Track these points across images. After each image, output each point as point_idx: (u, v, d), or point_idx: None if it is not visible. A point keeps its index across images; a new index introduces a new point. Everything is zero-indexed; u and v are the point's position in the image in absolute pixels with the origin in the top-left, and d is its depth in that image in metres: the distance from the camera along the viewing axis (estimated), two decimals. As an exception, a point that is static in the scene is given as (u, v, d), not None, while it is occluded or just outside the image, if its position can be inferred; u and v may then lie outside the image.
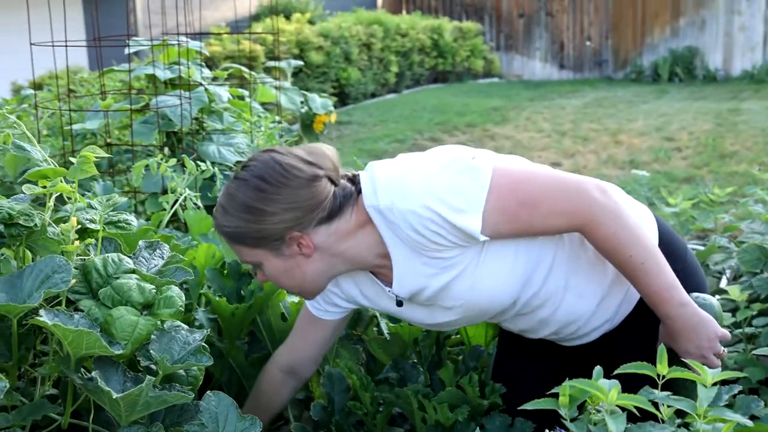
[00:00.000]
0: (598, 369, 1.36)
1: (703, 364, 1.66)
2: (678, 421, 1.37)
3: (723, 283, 3.29)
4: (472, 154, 1.62)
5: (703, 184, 6.07)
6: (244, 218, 1.59)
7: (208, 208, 2.97)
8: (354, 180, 1.67)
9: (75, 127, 3.19)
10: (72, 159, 1.70)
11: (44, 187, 1.66)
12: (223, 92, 3.34)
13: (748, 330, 2.61)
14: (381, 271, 1.71)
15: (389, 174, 1.61)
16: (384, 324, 2.28)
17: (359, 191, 1.64)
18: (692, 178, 6.44)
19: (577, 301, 1.72)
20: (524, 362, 1.96)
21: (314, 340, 1.91)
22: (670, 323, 1.67)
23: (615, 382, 1.31)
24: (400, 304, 1.74)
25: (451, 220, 1.54)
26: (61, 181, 1.66)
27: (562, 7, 15.26)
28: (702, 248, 3.39)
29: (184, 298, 1.62)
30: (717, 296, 2.99)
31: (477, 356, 2.04)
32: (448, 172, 1.57)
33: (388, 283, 1.71)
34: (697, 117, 9.22)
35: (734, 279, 3.28)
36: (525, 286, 1.67)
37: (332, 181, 1.63)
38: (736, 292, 2.72)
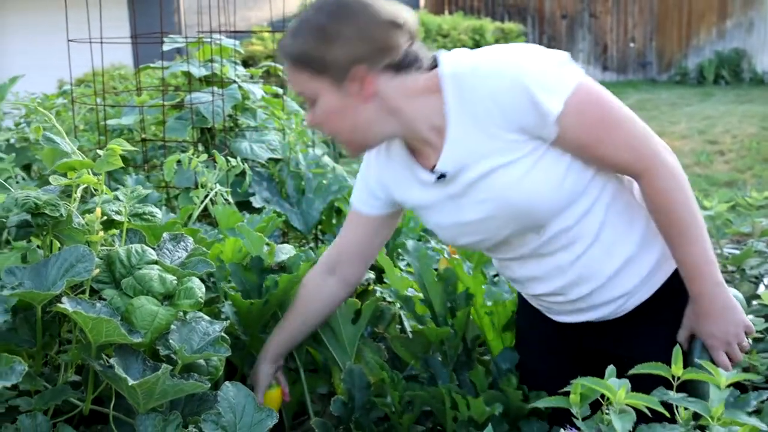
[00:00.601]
0: (611, 368, 1.36)
1: (726, 353, 1.65)
2: (692, 423, 1.36)
3: (761, 289, 3.24)
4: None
5: (744, 188, 5.97)
6: (315, 39, 1.55)
7: (239, 204, 3.01)
8: (430, 56, 1.66)
9: (111, 122, 3.25)
10: (100, 152, 1.73)
11: (71, 178, 1.69)
12: (257, 89, 3.37)
13: (781, 335, 2.57)
14: (423, 149, 1.66)
15: (473, 51, 1.61)
16: (407, 323, 2.28)
17: (433, 66, 1.62)
18: (734, 181, 6.34)
19: (601, 256, 1.67)
20: (539, 361, 1.94)
21: (356, 236, 1.89)
22: (700, 301, 1.64)
23: (624, 381, 1.30)
24: (430, 191, 1.68)
25: (535, 94, 1.50)
26: (88, 173, 1.69)
27: (605, 9, 15.11)
28: (738, 252, 3.33)
29: (204, 289, 1.65)
30: (754, 302, 2.95)
31: (510, 359, 2.02)
32: (542, 57, 1.55)
33: (426, 167, 1.67)
34: (742, 120, 9.07)
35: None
36: (562, 213, 1.62)
37: (409, 37, 1.60)
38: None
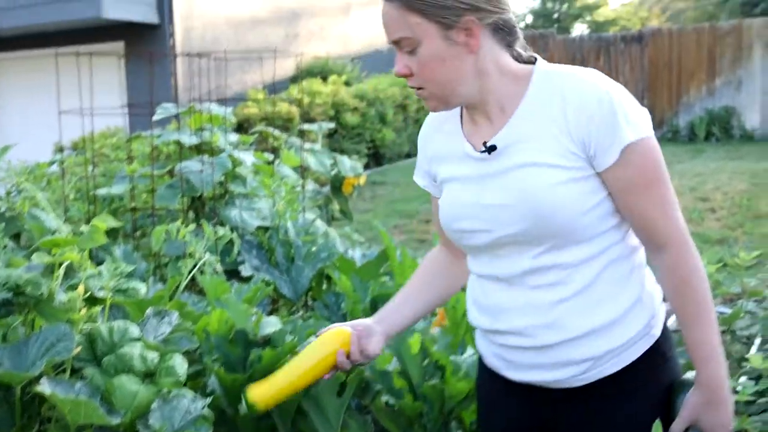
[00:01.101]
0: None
1: None
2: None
3: (753, 350, 3.23)
4: None
5: (736, 245, 5.99)
6: None
7: (229, 272, 3.02)
8: (528, 54, 1.69)
9: (101, 191, 3.28)
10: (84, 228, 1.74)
11: (55, 255, 1.70)
12: (248, 157, 3.40)
13: (772, 400, 2.55)
14: (481, 121, 1.67)
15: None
16: (390, 397, 2.27)
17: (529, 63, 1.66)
18: (725, 239, 6.36)
19: (583, 309, 1.62)
20: None
21: (436, 218, 1.85)
22: (711, 387, 1.60)
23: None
24: (467, 164, 1.66)
25: (618, 114, 1.53)
26: (72, 251, 1.70)
27: (597, 67, 15.27)
28: (728, 313, 3.33)
29: (186, 367, 1.64)
30: (744, 363, 2.94)
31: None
32: (633, 98, 1.60)
33: (472, 142, 1.67)
34: (732, 177, 9.14)
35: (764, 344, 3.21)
36: (567, 245, 1.60)
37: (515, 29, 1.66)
38: (758, 361, 2.67)
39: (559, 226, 1.57)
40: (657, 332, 1.67)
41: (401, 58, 1.61)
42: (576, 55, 15.59)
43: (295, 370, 1.71)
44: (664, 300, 1.74)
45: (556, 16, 38.92)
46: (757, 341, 3.27)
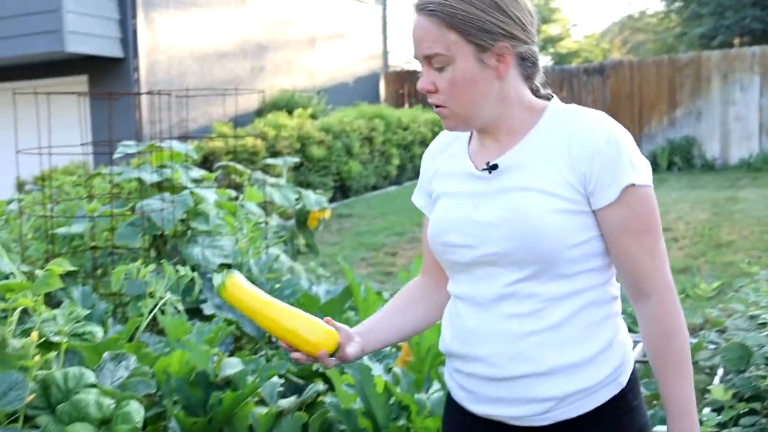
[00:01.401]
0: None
1: None
2: None
3: (716, 381, 3.25)
4: None
5: (699, 274, 6.06)
6: (476, 4, 1.56)
7: (191, 311, 2.98)
8: (546, 92, 1.71)
9: (60, 230, 3.23)
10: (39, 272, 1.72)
11: (8, 300, 1.67)
12: (210, 194, 3.39)
13: (734, 430, 2.57)
14: (488, 144, 1.68)
15: None
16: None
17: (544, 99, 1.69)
18: (688, 268, 6.43)
19: (553, 345, 1.60)
20: None
21: (427, 240, 1.82)
22: None
23: None
24: (466, 183, 1.67)
25: (623, 156, 1.55)
26: (26, 296, 1.68)
27: (560, 98, 15.47)
28: (693, 342, 3.37)
29: (142, 413, 1.62)
30: (706, 396, 2.96)
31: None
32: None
33: (475, 163, 1.69)
34: (694, 206, 9.27)
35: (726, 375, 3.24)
36: (549, 278, 1.59)
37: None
38: (720, 392, 2.69)
39: (543, 253, 1.57)
40: (624, 380, 1.65)
41: (429, 74, 1.61)
42: (539, 86, 15.74)
43: (278, 313, 1.64)
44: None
45: (519, 48, 39.35)
46: (720, 372, 3.30)
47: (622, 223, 1.57)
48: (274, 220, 4.95)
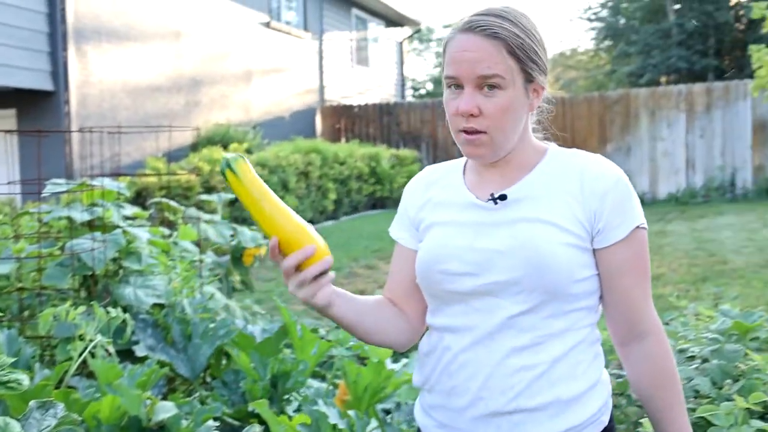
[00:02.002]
0: None
1: None
2: None
3: (648, 413, 3.30)
4: None
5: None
6: (531, 37, 1.60)
7: (122, 353, 2.91)
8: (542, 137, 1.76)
9: (-15, 271, 3.13)
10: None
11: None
12: (143, 233, 3.32)
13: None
14: (489, 174, 1.68)
15: None
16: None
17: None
18: (621, 302, 6.53)
19: (541, 384, 1.58)
20: None
21: (399, 271, 1.78)
22: None
23: None
24: (467, 213, 1.65)
25: (631, 198, 1.60)
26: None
27: (494, 134, 15.77)
28: (621, 379, 3.40)
29: (70, 464, 1.56)
30: (638, 429, 3.00)
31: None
32: None
33: (474, 193, 1.68)
34: (625, 240, 9.45)
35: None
36: (549, 312, 1.58)
37: None
38: (650, 425, 2.73)
39: (549, 284, 1.55)
40: (606, 419, 1.65)
41: (474, 97, 1.58)
42: (474, 122, 15.99)
43: (284, 209, 1.52)
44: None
45: (454, 83, 39.85)
46: (652, 404, 3.36)
47: (625, 263, 1.60)
48: (209, 257, 4.88)
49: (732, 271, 7.57)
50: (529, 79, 1.60)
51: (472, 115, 1.57)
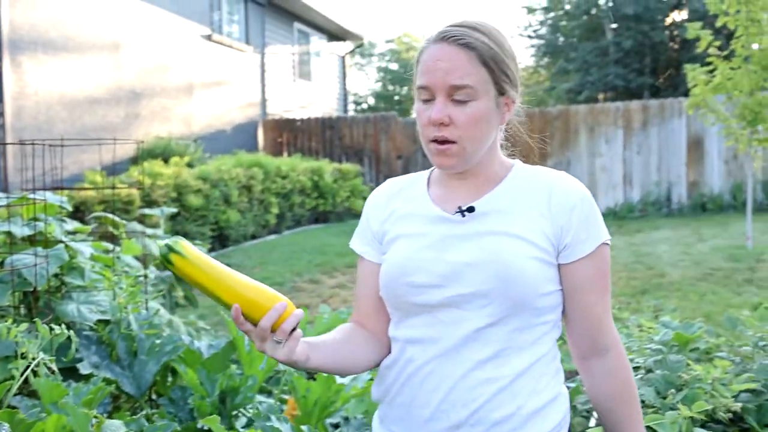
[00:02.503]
0: None
1: None
2: None
3: (592, 423, 3.34)
4: None
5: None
6: (504, 50, 1.61)
7: (66, 371, 2.84)
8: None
9: None
10: None
11: None
12: (86, 248, 3.26)
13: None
14: (455, 186, 1.70)
15: None
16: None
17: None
18: (563, 315, 6.63)
19: (503, 395, 1.58)
20: None
21: (365, 286, 1.78)
22: None
23: None
24: (434, 226, 1.66)
25: (597, 215, 1.63)
26: None
27: (436, 149, 15.88)
28: (572, 386, 3.45)
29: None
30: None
31: None
32: None
33: (440, 206, 1.70)
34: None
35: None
36: (513, 326, 1.58)
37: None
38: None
39: (516, 297, 1.56)
40: None
41: (446, 106, 1.58)
42: (417, 136, 16.06)
43: (234, 280, 1.49)
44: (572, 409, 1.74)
45: (397, 98, 40.26)
46: (596, 414, 3.40)
47: (589, 279, 1.62)
48: (151, 272, 4.81)
49: (669, 284, 7.75)
50: (501, 91, 1.62)
51: (443, 124, 1.58)
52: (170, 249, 1.48)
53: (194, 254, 1.49)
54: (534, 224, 1.60)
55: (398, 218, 1.73)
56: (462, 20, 1.62)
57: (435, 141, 1.61)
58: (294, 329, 1.51)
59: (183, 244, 1.49)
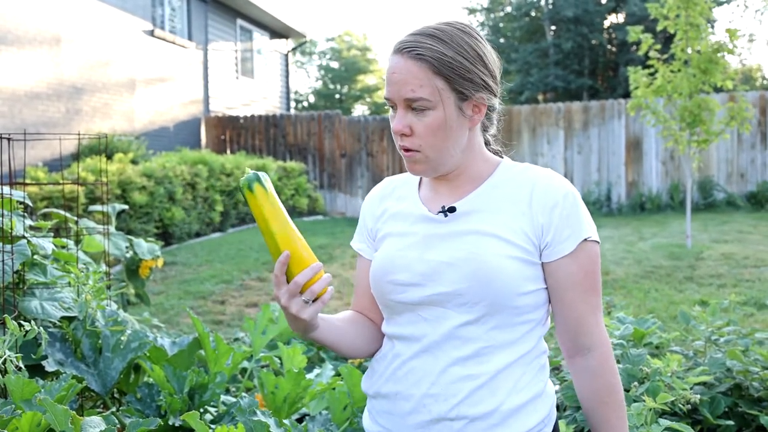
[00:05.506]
0: None
1: None
2: None
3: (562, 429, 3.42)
4: None
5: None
6: (464, 54, 1.58)
7: (30, 368, 2.79)
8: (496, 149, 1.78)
9: None
10: None
11: None
12: (47, 243, 3.20)
13: (579, 466, 2.70)
14: (441, 189, 1.71)
15: None
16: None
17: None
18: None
19: (484, 391, 1.60)
20: None
21: (361, 283, 1.83)
22: None
23: None
24: (418, 225, 1.68)
25: (580, 211, 1.63)
26: None
27: (381, 148, 15.95)
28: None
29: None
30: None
31: None
32: None
33: (427, 206, 1.71)
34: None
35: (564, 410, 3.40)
36: (494, 324, 1.60)
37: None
38: (562, 427, 2.84)
39: (493, 296, 1.58)
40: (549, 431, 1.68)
41: (405, 117, 1.60)
42: (361, 134, 16.15)
43: (290, 224, 1.60)
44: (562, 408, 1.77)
45: (338, 96, 40.24)
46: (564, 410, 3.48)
47: (572, 277, 1.62)
48: (102, 269, 4.74)
49: (614, 281, 7.93)
50: (462, 97, 1.61)
51: (404, 134, 1.61)
52: (257, 178, 1.58)
53: (272, 192, 1.60)
54: (514, 223, 1.62)
55: (389, 217, 1.76)
56: (421, 27, 1.63)
57: (403, 149, 1.65)
58: (320, 294, 1.59)
59: (268, 180, 1.60)
